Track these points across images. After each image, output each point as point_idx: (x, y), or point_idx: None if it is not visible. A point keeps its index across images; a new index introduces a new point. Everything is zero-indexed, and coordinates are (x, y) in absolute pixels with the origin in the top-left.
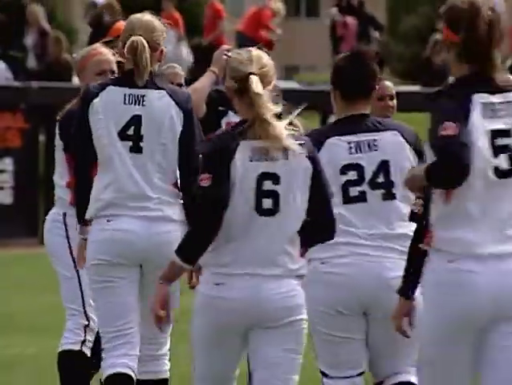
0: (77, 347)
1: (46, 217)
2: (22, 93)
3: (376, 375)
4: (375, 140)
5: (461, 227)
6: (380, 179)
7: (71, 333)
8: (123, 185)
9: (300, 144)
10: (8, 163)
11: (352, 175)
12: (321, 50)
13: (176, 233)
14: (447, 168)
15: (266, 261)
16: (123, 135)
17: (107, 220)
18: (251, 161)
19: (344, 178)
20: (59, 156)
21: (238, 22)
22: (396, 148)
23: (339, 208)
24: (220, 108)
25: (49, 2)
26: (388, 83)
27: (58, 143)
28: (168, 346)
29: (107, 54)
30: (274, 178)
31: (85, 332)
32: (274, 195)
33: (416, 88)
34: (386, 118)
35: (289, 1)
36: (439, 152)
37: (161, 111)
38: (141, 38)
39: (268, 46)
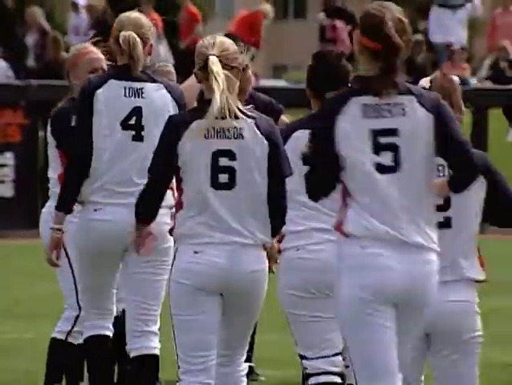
0: (62, 337)
1: (42, 210)
2: (22, 91)
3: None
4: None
5: (365, 217)
6: None
7: (63, 322)
8: (116, 175)
9: (255, 124)
10: (9, 157)
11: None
12: (308, 50)
13: (164, 216)
14: (310, 184)
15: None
16: (125, 125)
17: (94, 210)
18: (206, 138)
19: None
20: (52, 152)
21: (228, 23)
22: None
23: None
24: None
25: (47, 4)
26: None
27: (51, 139)
28: (158, 325)
29: (98, 52)
30: (230, 155)
31: (74, 323)
32: (230, 171)
33: None
34: None
35: (278, 3)
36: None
37: (159, 102)
38: (132, 32)
39: (256, 46)
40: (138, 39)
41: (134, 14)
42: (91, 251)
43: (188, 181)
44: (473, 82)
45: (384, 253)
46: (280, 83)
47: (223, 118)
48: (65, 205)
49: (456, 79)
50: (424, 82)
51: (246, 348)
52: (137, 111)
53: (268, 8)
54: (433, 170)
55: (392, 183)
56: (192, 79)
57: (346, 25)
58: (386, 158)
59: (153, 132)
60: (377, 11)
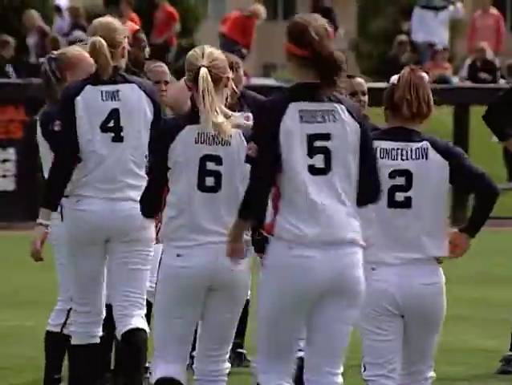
0: (57, 329)
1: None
2: (23, 88)
3: None
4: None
5: (294, 218)
6: None
7: (57, 314)
8: (99, 174)
9: (240, 131)
10: (11, 152)
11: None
12: None
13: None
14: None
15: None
16: (104, 128)
17: (77, 201)
18: (196, 143)
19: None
20: (44, 152)
21: (220, 23)
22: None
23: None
24: None
25: (47, 5)
26: (360, 80)
27: (41, 140)
28: (144, 311)
29: None
30: (217, 160)
31: (67, 316)
32: (216, 174)
33: (384, 84)
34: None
35: (267, 5)
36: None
37: (135, 102)
38: (99, 38)
39: (247, 47)
40: (104, 44)
41: (106, 19)
42: (76, 239)
43: (175, 182)
44: (455, 81)
45: (309, 254)
46: (270, 82)
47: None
48: (50, 203)
49: (424, 75)
50: (393, 78)
51: (230, 345)
52: (115, 114)
53: (260, 8)
54: (356, 173)
55: (322, 184)
56: (183, 81)
57: (332, 25)
58: (318, 161)
59: (132, 132)
60: (303, 20)
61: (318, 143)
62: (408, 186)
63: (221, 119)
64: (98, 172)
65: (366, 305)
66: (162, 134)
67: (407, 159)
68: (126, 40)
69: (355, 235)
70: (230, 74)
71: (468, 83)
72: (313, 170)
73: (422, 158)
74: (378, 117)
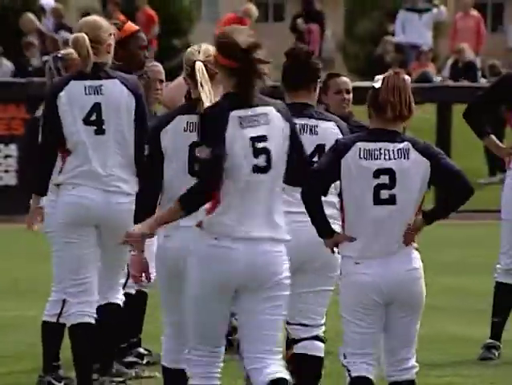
0: (53, 319)
1: (44, 203)
2: (25, 87)
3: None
4: (316, 126)
5: (223, 213)
6: (315, 158)
7: (52, 305)
8: (89, 165)
9: None
10: (13, 149)
11: None
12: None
13: (128, 203)
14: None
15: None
16: (87, 121)
17: (72, 188)
18: (185, 132)
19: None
20: None
21: (214, 25)
22: (332, 136)
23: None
24: None
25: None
26: (345, 78)
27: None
28: (123, 280)
29: None
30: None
31: (63, 306)
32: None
33: (369, 84)
34: (343, 110)
35: (258, 8)
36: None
37: (117, 97)
38: (82, 34)
39: None
40: (86, 39)
41: (92, 18)
42: (70, 222)
43: (166, 168)
44: (438, 80)
45: (233, 246)
46: None
47: None
48: (38, 188)
49: (407, 78)
50: (377, 79)
51: None
52: (97, 107)
53: (252, 8)
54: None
55: (264, 182)
56: (179, 79)
57: (320, 28)
58: (261, 160)
59: (113, 125)
60: (231, 33)
61: (259, 145)
62: (391, 184)
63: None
64: (87, 163)
65: (349, 298)
66: (154, 124)
67: (390, 159)
68: (112, 37)
69: (278, 233)
70: None
71: (450, 82)
72: (257, 169)
73: (404, 158)
74: (364, 115)
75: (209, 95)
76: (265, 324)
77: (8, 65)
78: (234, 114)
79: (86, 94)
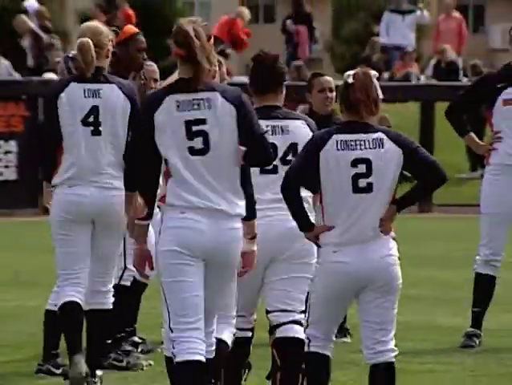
0: (56, 308)
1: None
2: (23, 86)
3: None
4: (287, 126)
5: (181, 191)
6: (289, 157)
7: (56, 296)
8: (84, 163)
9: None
10: (13, 145)
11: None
12: (276, 50)
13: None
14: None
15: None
16: (85, 122)
17: (69, 186)
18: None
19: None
20: None
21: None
22: (303, 134)
23: (256, 178)
24: None
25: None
26: (328, 78)
27: None
28: (112, 284)
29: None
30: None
31: None
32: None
33: None
34: (326, 108)
35: (250, 10)
36: None
37: (114, 101)
38: (87, 39)
39: (237, 46)
40: (91, 44)
41: (93, 23)
42: (66, 218)
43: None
44: (422, 79)
45: (195, 218)
46: None
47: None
48: (47, 175)
49: (374, 73)
50: (347, 75)
51: None
52: (95, 110)
53: (244, 10)
54: (238, 151)
55: (202, 162)
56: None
57: (308, 29)
58: (197, 143)
59: (109, 127)
60: (185, 25)
61: (195, 128)
62: (368, 173)
63: None
64: (82, 162)
65: (323, 285)
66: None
67: (365, 148)
68: (110, 43)
69: (234, 208)
70: (217, 69)
71: (433, 81)
72: (193, 151)
73: (379, 147)
74: None
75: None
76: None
77: (6, 64)
78: (172, 97)
79: (85, 96)
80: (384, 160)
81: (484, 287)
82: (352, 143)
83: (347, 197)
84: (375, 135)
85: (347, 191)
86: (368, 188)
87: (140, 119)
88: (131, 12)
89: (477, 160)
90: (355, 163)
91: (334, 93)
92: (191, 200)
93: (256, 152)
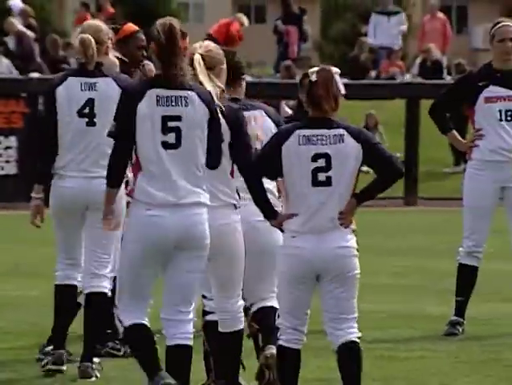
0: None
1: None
2: (24, 84)
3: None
4: (248, 116)
5: (149, 185)
6: (259, 146)
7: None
8: (77, 154)
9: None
10: (13, 140)
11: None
12: (267, 49)
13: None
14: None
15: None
16: (81, 113)
17: (59, 179)
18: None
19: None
20: None
21: (200, 26)
22: (264, 123)
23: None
24: None
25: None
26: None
27: None
28: (108, 269)
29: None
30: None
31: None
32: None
33: (344, 81)
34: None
35: (242, 11)
36: None
37: (109, 94)
38: (88, 35)
39: (229, 43)
40: (92, 40)
41: (95, 22)
42: (61, 209)
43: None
44: (407, 77)
45: (160, 214)
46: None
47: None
48: (40, 179)
49: (336, 71)
50: (311, 73)
51: None
52: (90, 102)
53: (242, 16)
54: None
55: (173, 156)
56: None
57: (298, 29)
58: (171, 138)
59: (104, 118)
60: (160, 23)
61: (171, 124)
62: (327, 167)
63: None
64: (75, 152)
65: (284, 269)
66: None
67: (326, 144)
68: (109, 40)
69: (199, 198)
70: (224, 67)
71: (419, 79)
72: (166, 145)
73: (339, 142)
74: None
75: (209, 80)
76: (186, 282)
77: (6, 62)
78: (153, 92)
79: (82, 90)
80: (343, 155)
81: (467, 277)
82: (314, 138)
83: (307, 190)
84: (336, 131)
85: (307, 184)
86: (327, 182)
87: (123, 108)
88: (112, 10)
89: (460, 155)
90: (316, 157)
91: None
92: (158, 196)
93: (212, 155)
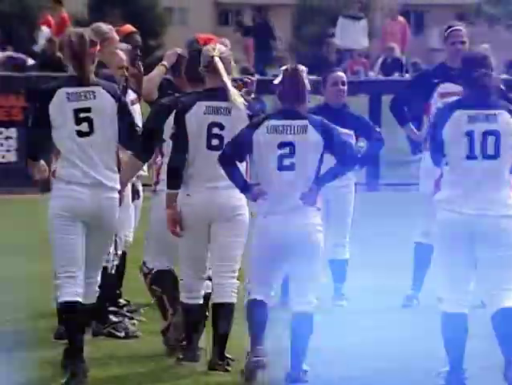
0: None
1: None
2: (23, 81)
3: None
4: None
5: (69, 165)
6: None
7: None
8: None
9: (245, 105)
10: (13, 131)
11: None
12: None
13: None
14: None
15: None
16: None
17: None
18: (204, 114)
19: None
20: None
21: (183, 29)
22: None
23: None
24: (169, 92)
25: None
26: (340, 73)
27: None
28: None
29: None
30: (221, 126)
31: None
32: (219, 137)
33: (313, 78)
34: (339, 100)
35: (221, 14)
36: None
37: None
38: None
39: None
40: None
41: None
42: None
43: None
44: (371, 74)
45: (78, 189)
46: None
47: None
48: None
49: (303, 69)
50: (282, 70)
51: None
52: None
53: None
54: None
55: (87, 142)
56: (155, 72)
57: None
58: (84, 127)
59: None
60: (73, 34)
61: (82, 115)
62: (292, 154)
63: (237, 95)
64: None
65: (257, 245)
66: (178, 108)
67: (291, 133)
68: (97, 47)
69: (111, 181)
70: (233, 64)
71: (380, 77)
72: (80, 133)
73: (303, 133)
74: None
75: (230, 80)
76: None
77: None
78: (63, 90)
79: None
80: (305, 144)
81: (422, 254)
82: (281, 128)
83: (274, 174)
84: (301, 122)
85: (273, 168)
86: (291, 167)
87: (37, 107)
88: (65, 15)
89: (417, 146)
90: (281, 145)
91: (346, 86)
92: (76, 174)
93: (126, 136)
